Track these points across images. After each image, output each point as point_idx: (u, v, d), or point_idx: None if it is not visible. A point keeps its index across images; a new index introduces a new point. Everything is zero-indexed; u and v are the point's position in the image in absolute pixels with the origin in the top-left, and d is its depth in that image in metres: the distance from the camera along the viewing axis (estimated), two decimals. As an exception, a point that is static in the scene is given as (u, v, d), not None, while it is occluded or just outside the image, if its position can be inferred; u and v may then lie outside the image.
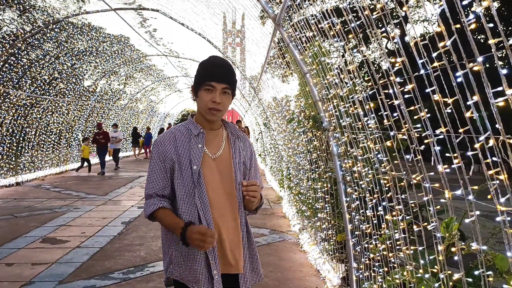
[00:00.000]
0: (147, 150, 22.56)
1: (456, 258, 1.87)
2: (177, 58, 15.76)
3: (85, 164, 14.47)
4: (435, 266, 2.08)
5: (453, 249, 2.32)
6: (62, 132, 14.77)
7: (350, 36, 2.72)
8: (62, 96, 13.96)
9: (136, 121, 24.33)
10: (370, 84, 2.64)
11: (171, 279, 1.96)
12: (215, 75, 1.85)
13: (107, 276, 4.47)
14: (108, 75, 16.68)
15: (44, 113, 13.12)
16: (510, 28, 18.85)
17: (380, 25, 2.36)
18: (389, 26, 2.15)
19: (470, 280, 2.02)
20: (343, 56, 3.33)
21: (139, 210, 7.94)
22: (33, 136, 12.80)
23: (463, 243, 2.37)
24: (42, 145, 13.44)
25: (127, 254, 5.22)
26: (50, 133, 13.91)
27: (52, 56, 12.36)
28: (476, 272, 2.09)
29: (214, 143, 1.98)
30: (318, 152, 4.73)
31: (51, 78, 12.99)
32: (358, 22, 2.51)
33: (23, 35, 10.93)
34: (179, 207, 1.90)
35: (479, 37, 16.97)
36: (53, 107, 13.61)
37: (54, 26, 11.11)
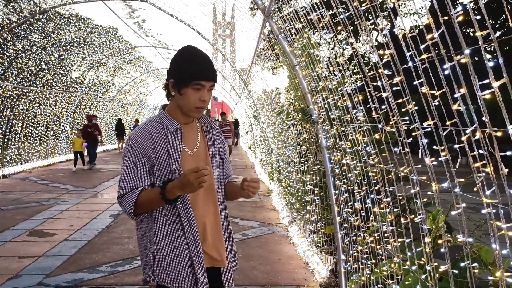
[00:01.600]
0: None
1: (442, 250, 1.88)
2: (166, 50, 15.61)
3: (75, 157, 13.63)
4: (422, 258, 2.09)
5: (439, 241, 2.34)
6: (50, 124, 14.56)
7: (339, 28, 2.70)
8: (49, 88, 13.75)
9: (125, 113, 24.10)
10: (359, 76, 2.63)
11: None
12: (203, 73, 1.76)
13: (95, 269, 4.44)
14: (96, 67, 16.46)
15: (31, 105, 12.92)
16: (498, 21, 19.00)
17: (369, 17, 2.35)
18: (378, 18, 2.13)
19: (456, 271, 2.04)
20: (332, 48, 3.32)
21: (128, 203, 7.87)
22: (20, 128, 12.59)
23: (449, 235, 2.39)
24: (29, 137, 13.24)
25: (116, 247, 5.18)
26: (37, 125, 13.71)
27: (38, 47, 12.15)
28: (462, 264, 2.11)
29: (191, 138, 1.90)
30: (307, 145, 4.74)
31: (38, 69, 12.78)
32: (347, 14, 2.50)
33: (9, 25, 10.71)
34: (157, 209, 1.81)
35: (468, 31, 17.07)
36: (40, 98, 13.40)
37: (40, 16, 10.90)
